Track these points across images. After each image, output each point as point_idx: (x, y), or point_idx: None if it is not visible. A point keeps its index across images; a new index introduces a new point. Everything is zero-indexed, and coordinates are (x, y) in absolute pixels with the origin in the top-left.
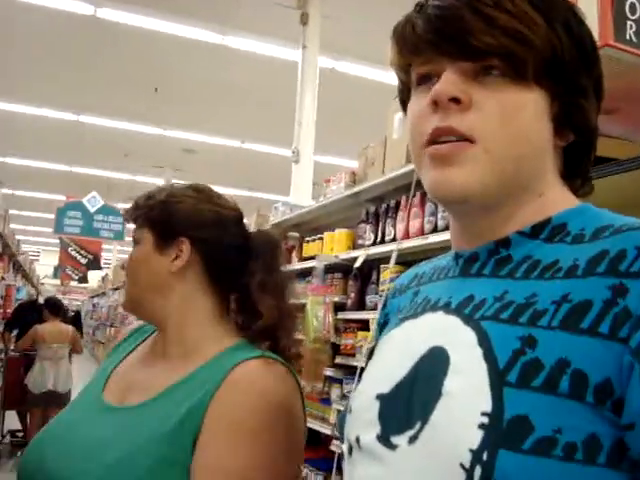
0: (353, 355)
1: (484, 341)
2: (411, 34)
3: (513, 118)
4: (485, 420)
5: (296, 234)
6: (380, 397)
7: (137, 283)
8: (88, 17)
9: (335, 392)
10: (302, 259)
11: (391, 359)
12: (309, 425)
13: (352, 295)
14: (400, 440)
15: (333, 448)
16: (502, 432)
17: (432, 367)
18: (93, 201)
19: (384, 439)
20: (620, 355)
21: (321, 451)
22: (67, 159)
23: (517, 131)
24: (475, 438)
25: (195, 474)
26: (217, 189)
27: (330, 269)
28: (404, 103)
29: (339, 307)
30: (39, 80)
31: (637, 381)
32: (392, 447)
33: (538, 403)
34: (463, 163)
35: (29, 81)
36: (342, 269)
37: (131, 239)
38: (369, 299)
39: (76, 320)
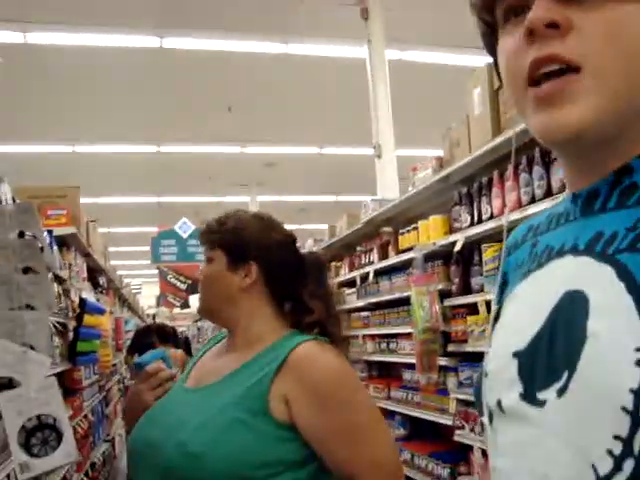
0: (465, 341)
1: (625, 274)
2: None
3: (620, 34)
4: None
5: (389, 228)
6: (517, 354)
7: (211, 295)
8: (155, 49)
9: (451, 381)
10: (399, 252)
11: (522, 315)
12: (428, 417)
13: (456, 280)
14: (548, 394)
15: (457, 438)
16: None
17: (571, 312)
18: (184, 227)
19: (529, 397)
20: None
21: (444, 444)
22: (153, 190)
23: (627, 48)
24: (634, 377)
25: (320, 436)
26: (302, 198)
27: (429, 257)
28: (491, 48)
29: (444, 294)
30: (117, 118)
31: None
32: (540, 404)
33: None
34: (571, 99)
35: (108, 120)
36: (442, 256)
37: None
38: (474, 282)
39: (186, 345)
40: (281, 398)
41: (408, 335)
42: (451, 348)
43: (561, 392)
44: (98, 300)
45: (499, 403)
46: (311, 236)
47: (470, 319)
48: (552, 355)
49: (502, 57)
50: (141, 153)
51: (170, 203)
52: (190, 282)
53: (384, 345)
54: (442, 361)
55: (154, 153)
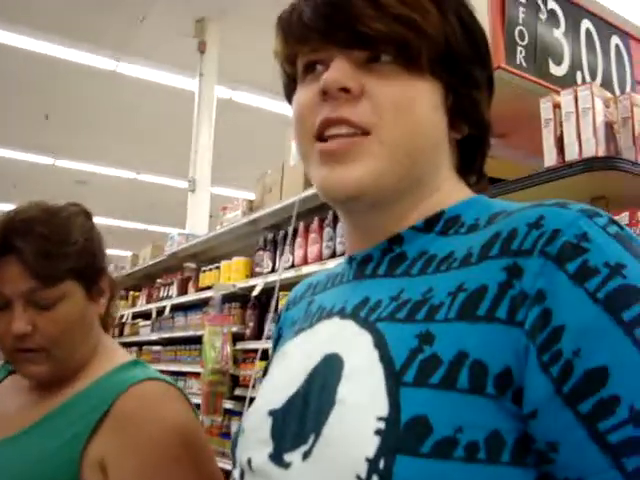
0: (254, 386)
1: (380, 343)
2: (297, 22)
3: (408, 108)
4: (381, 425)
5: (192, 264)
6: (272, 413)
7: (73, 342)
8: None
9: (235, 425)
10: (199, 289)
11: (284, 373)
12: None
13: (250, 324)
14: (293, 457)
15: None
16: (399, 436)
17: (326, 375)
18: None
19: (277, 458)
20: (518, 340)
21: None
22: None
23: (413, 121)
24: (371, 445)
25: None
26: (111, 221)
27: (228, 299)
28: (290, 98)
29: (238, 337)
30: None
31: (534, 364)
32: (285, 465)
33: (437, 401)
34: (355, 158)
35: None
36: (240, 298)
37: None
38: (268, 328)
39: None
40: (96, 466)
41: (197, 374)
42: (238, 392)
43: (306, 455)
44: None
45: (249, 461)
46: (114, 262)
47: (260, 364)
48: (303, 417)
49: (296, 109)
50: None
51: None
52: None
53: (165, 376)
54: (228, 404)
55: None
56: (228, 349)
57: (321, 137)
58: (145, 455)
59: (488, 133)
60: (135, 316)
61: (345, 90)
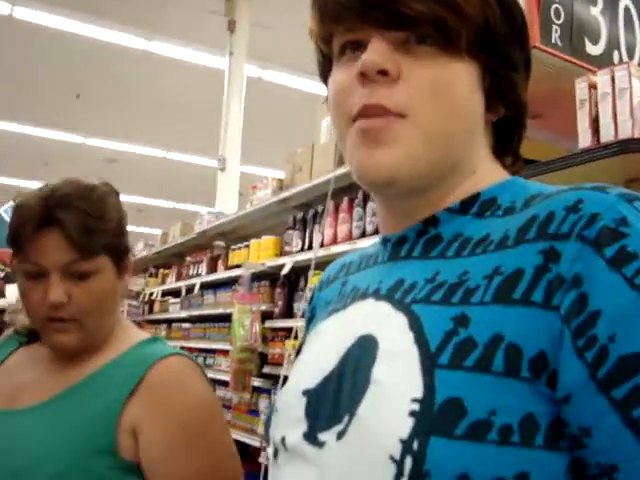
0: (281, 364)
1: (415, 325)
2: (334, 1)
3: (445, 90)
4: (416, 407)
5: (222, 243)
6: (306, 393)
7: (101, 315)
8: (4, 17)
9: (263, 403)
10: (228, 267)
11: (319, 353)
12: (237, 437)
13: (279, 303)
14: (328, 436)
15: (261, 460)
16: (433, 418)
17: (361, 356)
18: (10, 211)
19: (311, 437)
20: (553, 324)
21: (249, 464)
22: None
23: (449, 104)
24: (405, 427)
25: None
26: (140, 200)
27: (257, 277)
28: (325, 77)
29: (267, 316)
30: None
31: (569, 349)
32: (320, 445)
33: (472, 383)
34: (392, 141)
35: None
36: (269, 277)
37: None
38: (297, 307)
39: None
40: (130, 431)
41: (226, 352)
42: (267, 370)
43: (340, 435)
44: None
45: (283, 440)
46: (144, 239)
47: (288, 343)
48: (337, 397)
49: (332, 90)
50: None
51: None
52: (9, 270)
53: (201, 359)
54: (256, 382)
55: None
56: (257, 327)
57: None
58: (176, 422)
59: (525, 114)
60: (165, 293)
61: (383, 72)
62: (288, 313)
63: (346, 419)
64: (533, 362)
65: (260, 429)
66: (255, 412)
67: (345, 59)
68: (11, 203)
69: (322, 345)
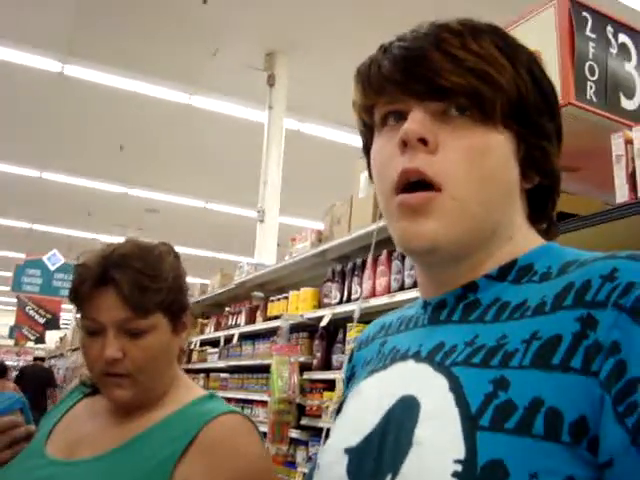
0: (319, 416)
1: (456, 387)
2: (377, 74)
3: (480, 160)
4: (458, 468)
5: (260, 294)
6: (349, 451)
7: (155, 373)
8: (55, 74)
9: (300, 455)
10: (267, 319)
11: (360, 412)
12: None
13: (318, 355)
14: None
15: None
16: (477, 479)
17: (403, 416)
18: (53, 259)
19: None
20: (593, 390)
21: None
22: (28, 216)
23: (485, 174)
24: None
25: None
26: (180, 249)
27: (295, 329)
28: (367, 148)
29: (305, 367)
30: (2, 134)
31: (610, 415)
32: None
33: (513, 446)
34: (432, 214)
35: None
36: (308, 329)
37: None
38: (335, 359)
39: (21, 380)
40: None
41: (264, 403)
42: (304, 421)
43: None
44: None
45: None
46: None
47: (326, 395)
48: (380, 456)
49: (375, 159)
50: (22, 176)
51: (43, 233)
52: (50, 317)
53: (239, 409)
54: (294, 433)
55: (36, 178)
56: (295, 379)
57: (401, 188)
58: None
59: (558, 182)
60: (203, 343)
61: (423, 141)
62: (326, 365)
63: (389, 478)
64: (574, 426)
65: None
66: (292, 464)
67: (387, 129)
68: (55, 251)
69: (364, 404)
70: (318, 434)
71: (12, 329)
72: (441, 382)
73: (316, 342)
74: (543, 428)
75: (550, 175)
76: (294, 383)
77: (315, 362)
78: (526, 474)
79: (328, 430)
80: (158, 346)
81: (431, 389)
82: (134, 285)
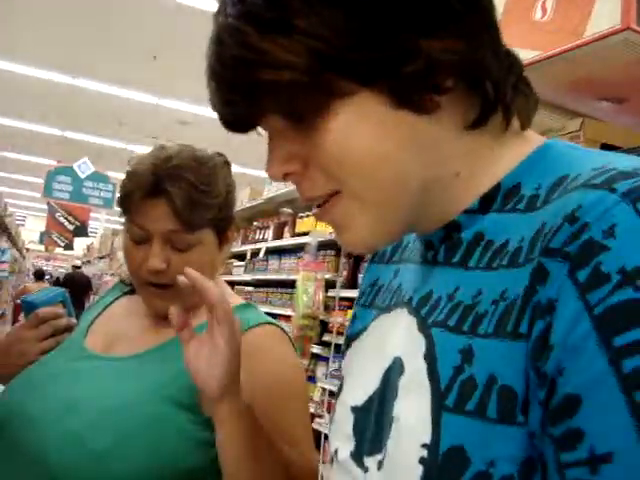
0: (342, 334)
1: (430, 355)
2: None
3: (348, 151)
4: (424, 453)
5: (289, 210)
6: (354, 410)
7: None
8: None
9: (321, 370)
10: (295, 235)
11: (365, 365)
12: None
13: (344, 273)
14: (371, 463)
15: (315, 426)
16: (439, 467)
17: (394, 382)
18: (84, 167)
19: (357, 458)
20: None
21: None
22: (60, 123)
23: (364, 161)
24: (417, 474)
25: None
26: None
27: (323, 246)
28: None
29: (330, 284)
30: (37, 39)
31: (534, 386)
32: (364, 468)
33: (472, 430)
34: (344, 225)
35: (26, 39)
36: (335, 246)
37: (163, 233)
38: (361, 277)
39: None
40: None
41: (288, 317)
42: (326, 338)
43: (379, 466)
44: None
45: (336, 452)
46: None
47: (350, 313)
48: (379, 422)
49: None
50: (55, 82)
51: (74, 140)
52: (79, 224)
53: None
54: (315, 349)
55: (69, 85)
56: (320, 295)
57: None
58: (269, 385)
59: (487, 70)
60: (230, 256)
61: (289, 174)
62: (352, 284)
63: (384, 451)
64: (526, 404)
65: (316, 396)
66: (312, 379)
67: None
68: (85, 159)
69: (368, 355)
70: (339, 351)
71: (42, 235)
72: (420, 346)
73: (343, 260)
74: (496, 410)
75: (462, 66)
76: (319, 300)
77: (341, 280)
78: (483, 463)
79: (337, 346)
80: (203, 260)
81: (412, 354)
82: (187, 200)
